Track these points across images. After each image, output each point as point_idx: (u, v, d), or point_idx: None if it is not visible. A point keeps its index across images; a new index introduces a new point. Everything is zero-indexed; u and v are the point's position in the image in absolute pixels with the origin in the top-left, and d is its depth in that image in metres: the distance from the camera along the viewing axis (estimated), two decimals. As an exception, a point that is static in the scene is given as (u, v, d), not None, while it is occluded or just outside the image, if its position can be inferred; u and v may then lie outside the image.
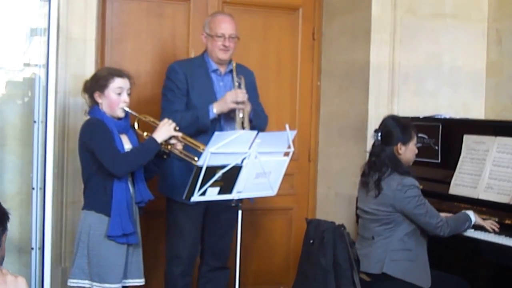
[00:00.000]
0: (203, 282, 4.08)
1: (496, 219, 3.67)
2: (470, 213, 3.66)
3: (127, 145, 3.39)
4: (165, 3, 4.63)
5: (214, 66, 3.95)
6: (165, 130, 3.37)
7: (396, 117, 3.75)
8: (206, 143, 3.22)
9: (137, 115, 3.45)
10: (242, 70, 3.99)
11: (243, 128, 3.74)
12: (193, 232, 3.95)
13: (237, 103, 3.75)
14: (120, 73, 3.40)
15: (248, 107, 3.81)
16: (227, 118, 3.86)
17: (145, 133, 3.48)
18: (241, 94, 3.78)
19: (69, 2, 3.95)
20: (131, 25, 4.55)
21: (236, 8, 4.80)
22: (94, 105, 3.40)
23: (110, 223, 3.26)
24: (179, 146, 3.43)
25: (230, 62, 3.94)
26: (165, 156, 3.46)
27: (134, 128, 3.50)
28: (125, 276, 3.35)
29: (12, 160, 3.83)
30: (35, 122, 3.72)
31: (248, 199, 3.57)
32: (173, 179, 3.82)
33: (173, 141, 3.41)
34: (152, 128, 3.46)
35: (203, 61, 3.97)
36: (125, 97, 3.38)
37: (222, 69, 3.96)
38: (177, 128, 3.40)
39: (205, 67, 3.94)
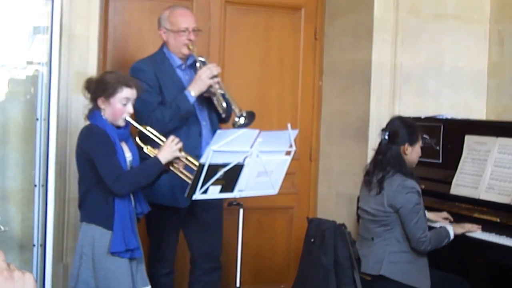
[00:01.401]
0: (199, 287, 3.99)
1: (498, 220, 3.67)
2: (450, 229, 3.64)
3: (128, 154, 3.28)
4: (168, 3, 4.59)
5: (178, 61, 3.83)
6: (170, 151, 3.24)
7: (403, 118, 3.76)
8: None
9: (139, 126, 3.36)
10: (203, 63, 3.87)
11: (228, 105, 3.64)
12: (174, 232, 3.89)
13: (213, 77, 3.66)
14: (129, 83, 3.24)
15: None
16: (200, 104, 3.79)
17: (148, 147, 3.38)
18: (214, 68, 3.69)
19: (72, 1, 3.94)
20: (134, 23, 4.55)
21: (238, 7, 4.81)
22: (94, 109, 3.25)
23: (112, 239, 3.14)
24: (181, 166, 3.33)
25: (190, 55, 3.85)
26: (164, 173, 3.34)
27: (134, 138, 3.41)
28: (133, 286, 3.25)
29: (15, 157, 3.81)
30: (37, 119, 3.70)
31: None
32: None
33: (176, 160, 3.30)
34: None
35: (165, 57, 3.83)
36: (129, 108, 3.24)
37: (184, 63, 3.86)
38: (182, 148, 3.29)
39: (168, 63, 3.82)
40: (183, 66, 3.86)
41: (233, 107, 3.66)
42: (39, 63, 3.76)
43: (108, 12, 4.45)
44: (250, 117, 3.65)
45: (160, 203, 3.67)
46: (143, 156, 3.39)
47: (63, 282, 3.91)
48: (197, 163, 3.27)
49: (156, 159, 3.23)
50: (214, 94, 3.72)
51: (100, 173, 3.13)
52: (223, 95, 3.71)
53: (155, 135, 3.39)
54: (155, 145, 3.39)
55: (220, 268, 3.98)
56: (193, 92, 3.66)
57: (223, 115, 3.76)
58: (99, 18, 4.15)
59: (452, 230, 3.63)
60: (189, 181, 3.25)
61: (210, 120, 3.84)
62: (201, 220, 3.88)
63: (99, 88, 3.22)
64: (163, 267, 3.89)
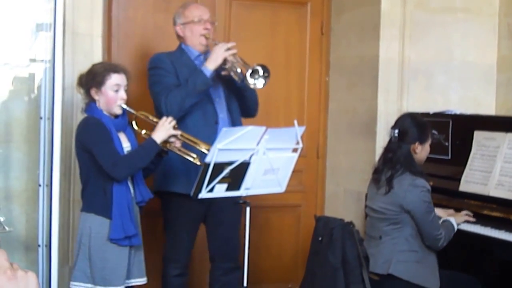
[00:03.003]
0: (218, 287, 3.97)
1: (508, 217, 3.61)
2: (452, 220, 3.63)
3: (125, 143, 3.33)
4: (172, -2, 4.60)
5: (196, 53, 3.83)
6: (164, 130, 3.29)
7: (414, 115, 3.72)
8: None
9: (134, 112, 3.38)
10: None
11: (249, 71, 3.57)
12: (191, 231, 3.84)
13: (229, 49, 3.64)
14: (116, 69, 3.32)
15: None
16: (218, 96, 3.80)
17: (143, 131, 3.41)
18: (229, 43, 3.69)
19: (75, -3, 3.91)
20: (138, 20, 4.52)
21: (243, 3, 4.78)
22: (90, 102, 3.32)
23: (111, 226, 3.19)
24: (178, 144, 3.36)
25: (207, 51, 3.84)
26: (163, 154, 3.40)
27: (132, 125, 3.44)
28: (128, 277, 3.30)
29: (19, 157, 3.80)
30: (41, 118, 3.69)
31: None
32: (170, 170, 3.67)
33: (172, 139, 3.34)
34: (149, 126, 3.40)
35: (183, 52, 3.84)
36: (122, 94, 3.29)
37: (203, 55, 3.85)
38: (176, 126, 3.33)
39: (186, 56, 3.82)
40: (202, 57, 3.84)
41: (246, 69, 3.57)
42: (43, 61, 3.74)
43: (111, 9, 4.42)
44: (265, 68, 3.58)
45: (179, 191, 3.65)
46: None
47: (69, 283, 3.87)
48: (195, 140, 3.35)
49: (150, 139, 3.27)
50: (232, 69, 3.66)
51: (98, 161, 3.18)
52: (243, 63, 3.64)
53: (150, 119, 3.41)
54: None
55: (239, 268, 3.88)
56: (209, 66, 3.64)
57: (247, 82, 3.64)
58: (103, 15, 4.12)
59: (454, 221, 3.63)
60: (189, 158, 3.34)
61: (229, 112, 3.83)
62: (220, 219, 3.84)
63: (89, 79, 3.31)
64: (174, 268, 3.84)
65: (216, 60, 3.64)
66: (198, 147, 3.31)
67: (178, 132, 3.34)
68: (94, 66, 3.42)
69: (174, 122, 3.32)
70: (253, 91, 3.84)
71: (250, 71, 3.54)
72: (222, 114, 3.80)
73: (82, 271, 3.25)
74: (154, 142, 3.25)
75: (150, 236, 4.13)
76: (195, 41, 3.82)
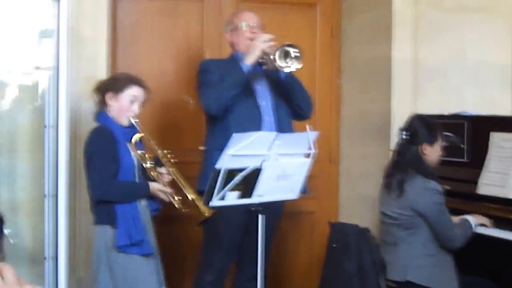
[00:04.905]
0: None
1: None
2: (470, 219, 3.58)
3: (135, 153, 3.32)
4: (178, 2, 4.56)
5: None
6: (158, 190, 3.31)
7: (422, 116, 3.66)
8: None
9: (139, 131, 3.33)
10: None
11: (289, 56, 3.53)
12: (233, 240, 3.76)
13: (266, 41, 3.60)
14: (140, 83, 3.35)
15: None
16: (264, 99, 3.77)
17: (139, 152, 3.33)
18: (266, 34, 3.66)
19: (79, 2, 3.87)
20: (143, 25, 4.48)
21: (251, 5, 4.69)
22: (101, 109, 3.33)
23: (116, 234, 3.17)
24: (166, 179, 3.34)
25: None
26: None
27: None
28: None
29: (23, 167, 3.76)
30: (45, 126, 3.63)
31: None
32: None
33: (163, 170, 3.33)
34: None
35: (233, 57, 3.86)
36: (135, 108, 3.33)
37: None
38: (169, 181, 3.32)
39: (234, 61, 3.80)
40: None
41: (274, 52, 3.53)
42: (47, 67, 3.68)
43: (116, 13, 4.38)
44: (292, 45, 3.55)
45: None
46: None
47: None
48: (187, 187, 3.30)
49: (146, 185, 3.29)
50: (270, 61, 3.60)
51: (89, 171, 3.20)
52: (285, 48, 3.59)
53: (151, 143, 3.37)
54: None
55: (266, 276, 3.75)
56: (247, 60, 3.62)
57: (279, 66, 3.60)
58: (108, 19, 4.09)
59: (472, 219, 3.58)
60: (171, 199, 3.33)
61: (276, 115, 3.78)
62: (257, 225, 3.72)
63: (109, 83, 3.35)
64: (210, 273, 3.75)
65: (253, 52, 3.61)
66: (185, 191, 3.30)
67: (172, 193, 3.33)
68: (117, 73, 3.55)
69: (170, 178, 3.33)
70: (302, 90, 3.85)
71: (277, 53, 3.50)
72: (268, 117, 3.76)
73: (105, 284, 3.21)
74: (148, 190, 3.29)
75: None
76: (243, 46, 3.81)
